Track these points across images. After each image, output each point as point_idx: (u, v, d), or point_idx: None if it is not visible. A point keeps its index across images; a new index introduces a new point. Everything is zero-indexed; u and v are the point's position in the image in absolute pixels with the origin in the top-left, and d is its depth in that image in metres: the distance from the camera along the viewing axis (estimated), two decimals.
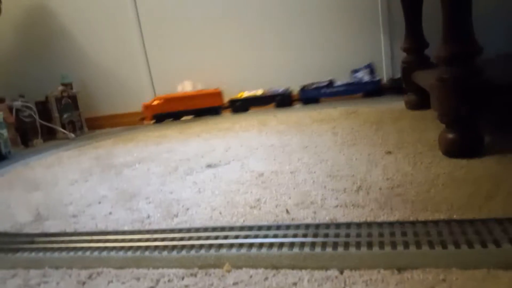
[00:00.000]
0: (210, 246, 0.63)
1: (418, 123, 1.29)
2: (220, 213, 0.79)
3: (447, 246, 0.54)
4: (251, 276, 0.56)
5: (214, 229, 0.69)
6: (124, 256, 0.65)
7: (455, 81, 0.88)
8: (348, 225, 0.63)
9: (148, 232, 0.72)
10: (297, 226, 0.65)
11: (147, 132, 1.81)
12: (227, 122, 1.79)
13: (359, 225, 0.63)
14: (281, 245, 0.60)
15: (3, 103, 1.82)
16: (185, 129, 1.78)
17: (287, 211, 0.75)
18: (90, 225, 0.82)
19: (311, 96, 1.91)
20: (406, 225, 0.61)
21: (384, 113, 1.51)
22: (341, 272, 0.54)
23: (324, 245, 0.59)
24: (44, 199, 1.04)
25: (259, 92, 1.99)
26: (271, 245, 0.61)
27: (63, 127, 1.97)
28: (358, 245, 0.57)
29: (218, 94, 2.05)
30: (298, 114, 1.73)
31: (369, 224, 0.63)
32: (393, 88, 1.79)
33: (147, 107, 2.01)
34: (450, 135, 0.91)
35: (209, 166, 1.14)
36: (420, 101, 1.47)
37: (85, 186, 1.10)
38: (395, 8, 1.81)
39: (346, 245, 0.58)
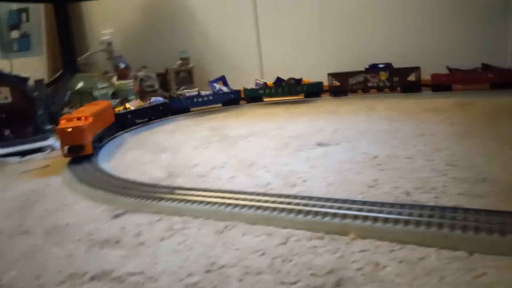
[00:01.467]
0: (335, 215, 0.67)
1: None
2: (338, 188, 0.83)
3: None
4: (377, 247, 0.59)
5: (336, 200, 0.73)
6: (255, 214, 0.72)
7: None
8: (477, 211, 0.63)
9: (272, 195, 0.78)
10: (422, 207, 0.67)
11: (253, 110, 1.89)
12: (331, 105, 1.81)
13: (488, 212, 0.62)
14: (406, 222, 0.62)
15: (131, 73, 2.03)
16: (290, 108, 1.83)
17: (408, 193, 0.76)
18: (217, 185, 0.91)
19: (180, 105, 1.88)
20: None
21: (502, 107, 1.42)
22: (471, 254, 0.55)
23: (452, 226, 0.60)
24: (172, 160, 1.17)
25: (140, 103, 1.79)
26: (396, 221, 0.63)
27: None
28: (489, 230, 0.57)
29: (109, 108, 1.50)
30: (407, 102, 1.69)
31: (500, 213, 0.62)
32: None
33: (81, 131, 1.16)
34: None
35: (319, 144, 1.18)
36: None
37: (207, 152, 1.21)
38: None
39: (477, 229, 0.58)
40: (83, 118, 1.20)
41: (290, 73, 2.04)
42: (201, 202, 0.78)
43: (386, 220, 0.64)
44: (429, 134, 1.17)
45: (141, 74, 2.08)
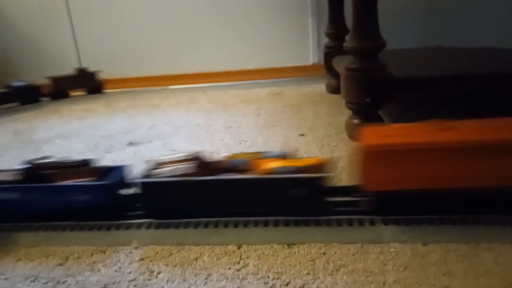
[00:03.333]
0: (119, 225, 0.66)
1: (334, 107, 1.38)
2: None
3: (331, 224, 0.62)
4: (157, 253, 0.61)
5: None
6: (35, 235, 0.66)
7: (361, 72, 0.97)
8: None
9: None
10: None
11: (71, 105, 1.75)
12: (156, 98, 1.78)
13: None
14: (187, 224, 0.65)
15: None
16: (111, 103, 1.75)
17: None
18: None
19: None
20: None
21: (306, 96, 1.59)
22: (239, 247, 0.60)
23: (227, 223, 0.64)
24: None
25: None
26: (177, 225, 0.65)
27: None
28: (256, 223, 0.64)
29: None
30: (228, 93, 1.77)
31: None
32: None
33: None
34: (355, 121, 1.01)
35: (130, 143, 1.16)
36: (339, 86, 1.56)
37: (0, 162, 1.07)
38: None
39: (246, 224, 0.64)
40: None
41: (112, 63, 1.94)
42: None
43: (168, 225, 0.65)
44: (237, 126, 1.25)
45: None
